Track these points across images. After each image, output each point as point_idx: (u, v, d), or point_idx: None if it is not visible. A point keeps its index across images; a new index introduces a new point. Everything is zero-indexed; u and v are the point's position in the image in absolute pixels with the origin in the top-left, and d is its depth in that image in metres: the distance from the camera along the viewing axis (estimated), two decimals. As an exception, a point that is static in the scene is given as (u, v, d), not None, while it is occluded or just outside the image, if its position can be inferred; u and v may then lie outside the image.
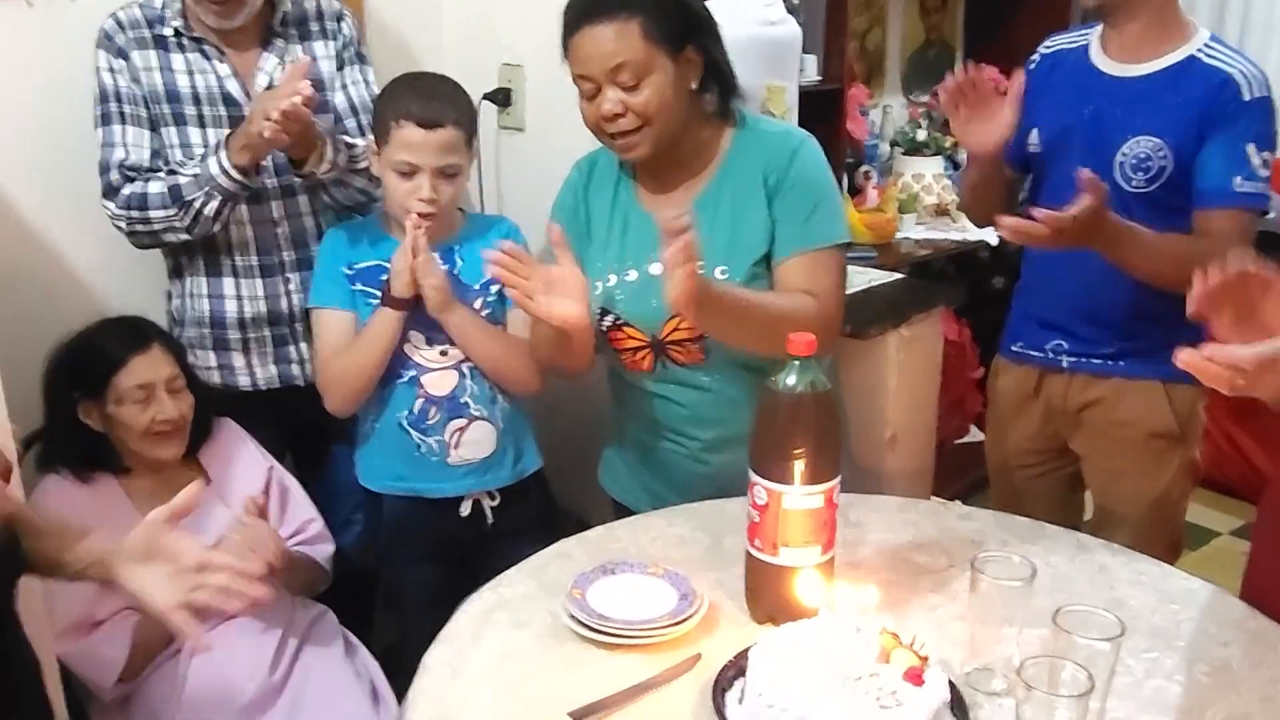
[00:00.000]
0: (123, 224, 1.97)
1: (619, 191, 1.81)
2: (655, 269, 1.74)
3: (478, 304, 1.96)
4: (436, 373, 1.97)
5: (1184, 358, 1.16)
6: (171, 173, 1.95)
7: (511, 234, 2.03)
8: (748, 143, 1.77)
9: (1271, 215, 3.35)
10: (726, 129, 1.78)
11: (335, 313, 1.97)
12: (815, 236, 1.71)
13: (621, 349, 1.79)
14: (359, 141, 2.06)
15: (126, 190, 1.94)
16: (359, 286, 1.96)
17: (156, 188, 1.93)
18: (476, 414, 1.99)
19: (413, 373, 1.97)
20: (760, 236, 1.72)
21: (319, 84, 2.01)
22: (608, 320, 1.77)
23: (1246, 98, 1.85)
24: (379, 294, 1.94)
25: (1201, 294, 1.30)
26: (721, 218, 1.73)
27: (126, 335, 1.90)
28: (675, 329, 1.75)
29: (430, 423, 1.98)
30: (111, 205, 1.96)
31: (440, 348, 1.97)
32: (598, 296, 1.76)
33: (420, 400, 1.98)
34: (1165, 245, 1.83)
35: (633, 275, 1.76)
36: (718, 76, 1.73)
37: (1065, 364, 2.07)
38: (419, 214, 1.88)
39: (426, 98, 1.88)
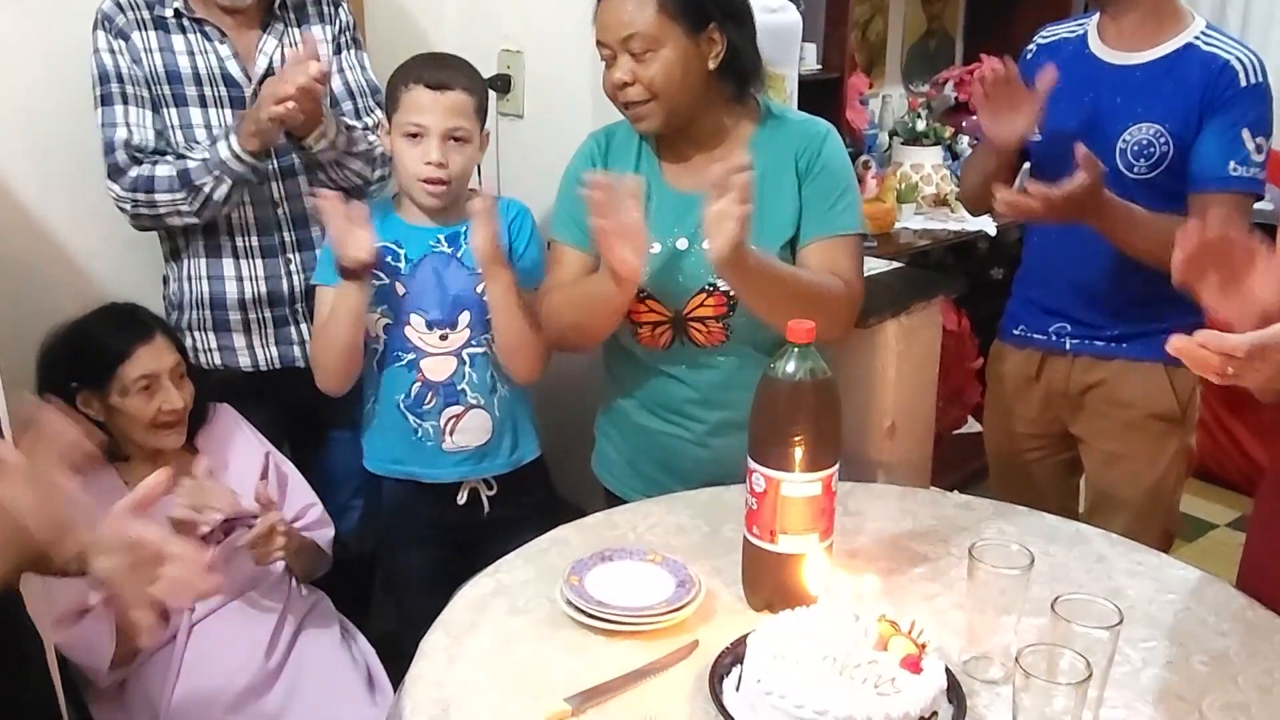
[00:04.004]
0: (127, 205, 1.95)
1: (640, 164, 1.82)
2: (681, 244, 1.76)
3: (479, 288, 1.95)
4: (436, 357, 1.97)
5: (1176, 343, 1.16)
6: (180, 156, 1.94)
7: (522, 216, 2.01)
8: (775, 128, 1.79)
9: (1269, 207, 3.36)
10: (752, 114, 1.80)
11: (331, 290, 1.96)
12: (840, 224, 1.75)
13: (641, 322, 1.79)
14: (356, 124, 2.05)
15: (133, 172, 1.93)
16: None
17: (165, 171, 1.92)
18: (473, 402, 1.99)
19: (412, 356, 1.97)
20: (789, 219, 1.73)
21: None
22: None
23: (1243, 83, 1.87)
24: (381, 274, 1.94)
25: (1182, 260, 1.29)
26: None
27: (128, 325, 1.89)
28: (699, 305, 1.75)
29: (426, 407, 1.98)
30: (117, 187, 1.94)
31: (441, 332, 1.96)
32: None
33: (417, 384, 1.97)
34: (1161, 225, 1.85)
35: (657, 248, 1.76)
36: (738, 63, 1.74)
37: (1068, 346, 2.08)
38: (426, 179, 1.88)
39: (437, 65, 1.90)
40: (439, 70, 1.89)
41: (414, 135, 1.87)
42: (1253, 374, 1.16)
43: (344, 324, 1.90)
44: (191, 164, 1.92)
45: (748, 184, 1.49)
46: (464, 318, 1.96)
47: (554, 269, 1.85)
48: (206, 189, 1.91)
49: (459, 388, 1.98)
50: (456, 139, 1.88)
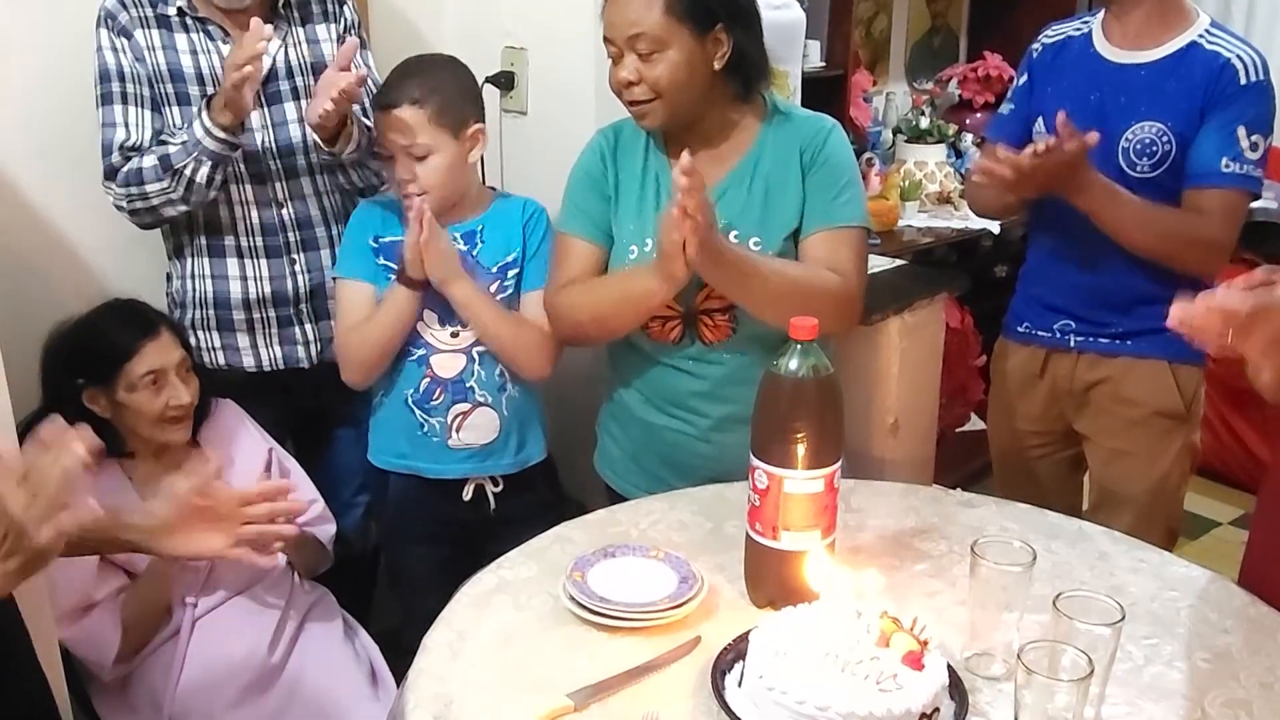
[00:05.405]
0: (124, 204, 1.96)
1: (649, 159, 1.83)
2: None
3: (494, 287, 1.96)
4: (446, 354, 1.97)
5: (1176, 313, 1.15)
6: (162, 143, 1.94)
7: (538, 215, 2.02)
8: (781, 124, 1.80)
9: (1273, 206, 3.35)
10: (758, 111, 1.80)
11: (356, 285, 1.97)
12: (841, 216, 1.75)
13: (652, 316, 1.79)
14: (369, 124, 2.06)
15: (125, 169, 1.93)
16: (383, 260, 1.97)
17: (149, 161, 1.92)
18: (481, 400, 1.99)
19: (422, 351, 1.97)
20: (794, 211, 1.74)
21: (321, 66, 2.01)
22: None
23: (1243, 81, 1.87)
24: (398, 269, 1.94)
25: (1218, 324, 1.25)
26: (755, 192, 1.76)
27: (133, 321, 1.89)
28: (708, 297, 1.76)
29: (434, 403, 1.98)
30: (114, 187, 1.95)
31: (452, 329, 1.96)
32: (633, 261, 1.78)
33: (426, 380, 1.98)
34: (1153, 215, 1.86)
35: None
36: (744, 64, 1.74)
37: (1073, 343, 2.08)
38: (405, 193, 1.90)
39: (396, 79, 1.92)
40: (389, 88, 1.91)
41: (388, 155, 1.91)
42: (1252, 341, 1.15)
43: (392, 326, 1.93)
44: (172, 149, 1.91)
45: (691, 190, 1.50)
46: None
47: (563, 262, 1.84)
48: (188, 172, 1.90)
49: (467, 385, 1.98)
50: (414, 156, 1.89)
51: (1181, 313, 1.15)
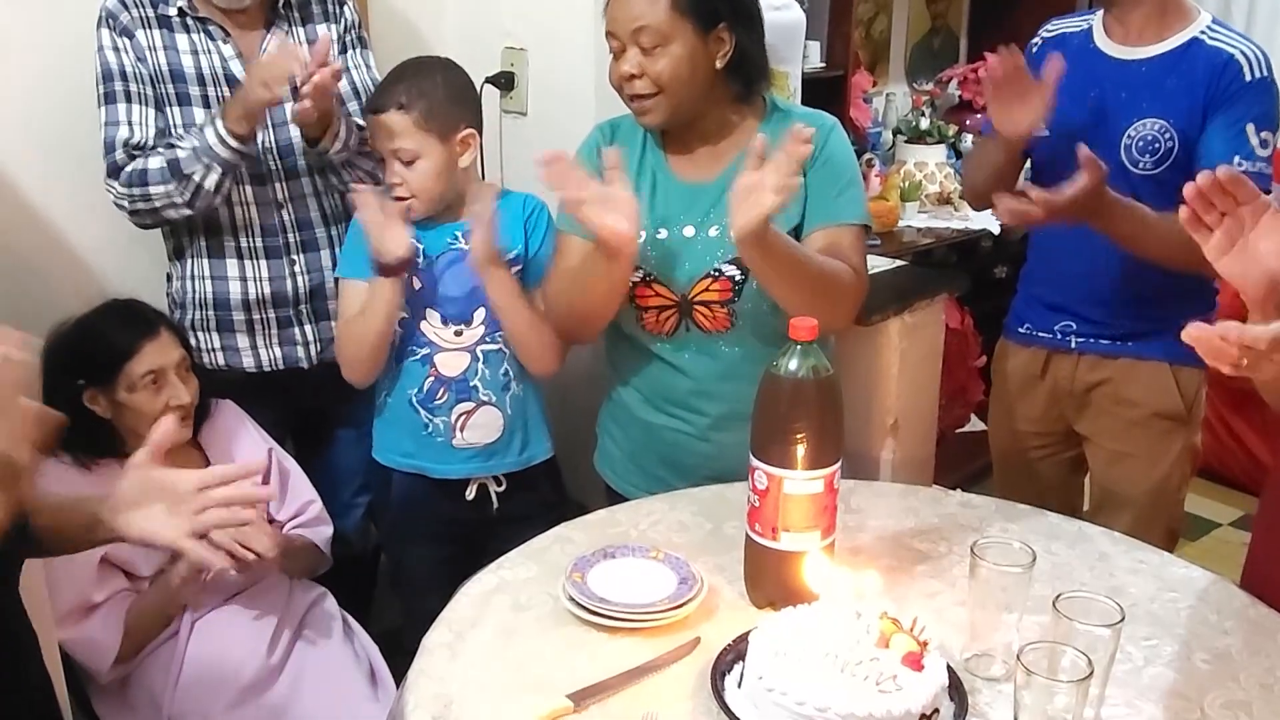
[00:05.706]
0: (125, 203, 1.96)
1: (645, 153, 1.83)
2: (688, 231, 1.77)
3: None
4: (449, 353, 1.97)
5: (1192, 332, 1.14)
6: (170, 147, 1.94)
7: (539, 212, 2.01)
8: (781, 122, 1.79)
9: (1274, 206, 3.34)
10: (758, 110, 1.81)
11: (356, 284, 1.97)
12: (844, 214, 1.76)
13: (647, 307, 1.80)
14: (365, 124, 2.06)
15: (128, 168, 1.93)
16: None
17: (156, 163, 1.92)
18: (485, 399, 1.99)
19: (426, 350, 1.97)
20: (795, 208, 1.74)
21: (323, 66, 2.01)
22: (636, 275, 1.76)
23: (1248, 78, 1.87)
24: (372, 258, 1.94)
25: (1192, 193, 1.27)
26: None
27: (133, 321, 1.89)
28: (705, 290, 1.76)
29: (438, 402, 1.98)
30: (116, 185, 1.95)
31: (456, 328, 1.96)
32: None
33: (430, 379, 1.98)
34: (1165, 224, 1.85)
35: (664, 234, 1.78)
36: (745, 64, 1.75)
37: (1074, 344, 2.08)
38: (394, 196, 1.90)
39: (387, 83, 1.92)
40: (379, 93, 1.92)
41: (380, 158, 1.92)
42: (1267, 366, 1.14)
43: (378, 319, 1.91)
44: (181, 153, 1.91)
45: (806, 158, 1.50)
46: (479, 314, 1.96)
47: (559, 259, 1.85)
48: (197, 177, 1.91)
49: (471, 384, 1.98)
50: (401, 160, 1.89)
51: (1198, 334, 1.14)
